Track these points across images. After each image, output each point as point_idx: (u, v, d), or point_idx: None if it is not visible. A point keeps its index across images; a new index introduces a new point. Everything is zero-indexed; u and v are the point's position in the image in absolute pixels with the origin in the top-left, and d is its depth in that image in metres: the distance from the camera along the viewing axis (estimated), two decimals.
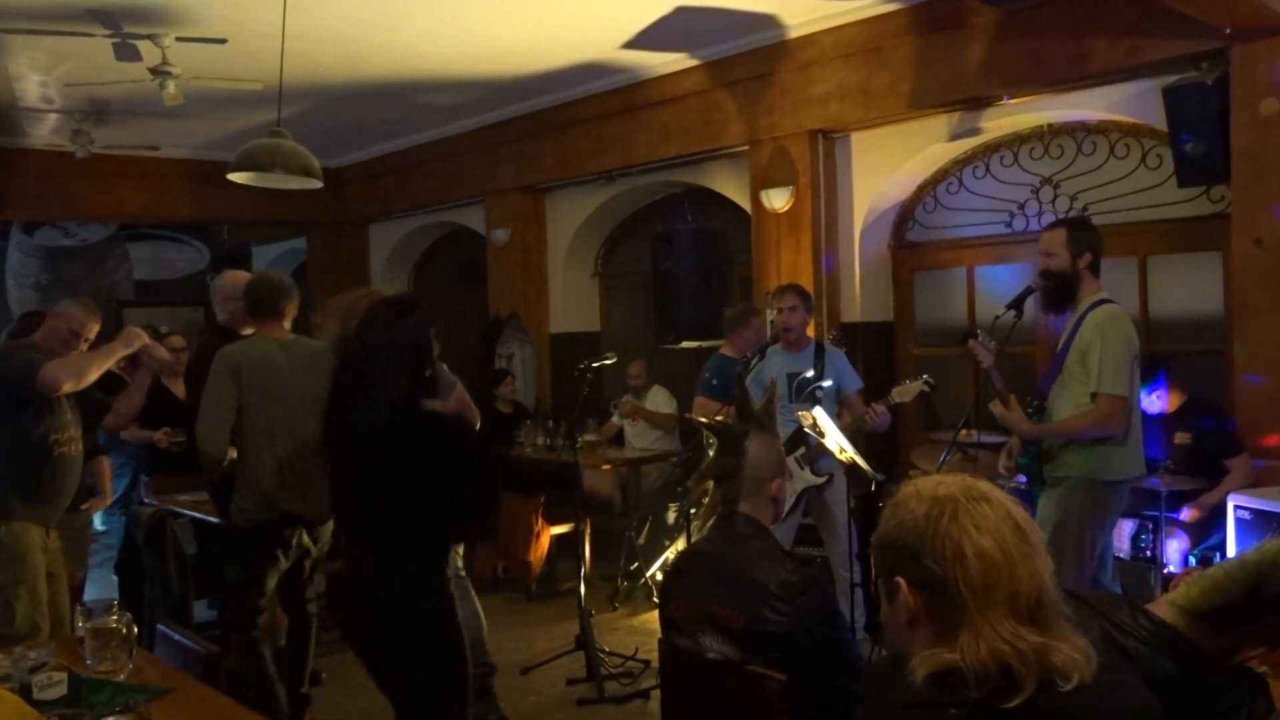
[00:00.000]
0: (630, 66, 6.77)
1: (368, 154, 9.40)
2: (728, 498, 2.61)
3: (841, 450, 4.01)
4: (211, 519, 4.59)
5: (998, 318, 3.90)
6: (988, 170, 6.14)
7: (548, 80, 7.04)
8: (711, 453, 5.60)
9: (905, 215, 6.55)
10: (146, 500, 5.39)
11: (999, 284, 6.01)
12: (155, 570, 4.93)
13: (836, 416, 4.47)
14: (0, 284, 10.99)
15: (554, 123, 7.69)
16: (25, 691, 2.31)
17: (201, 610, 5.18)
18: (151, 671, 2.57)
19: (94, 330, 4.02)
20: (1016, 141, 5.96)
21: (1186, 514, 4.54)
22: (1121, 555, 4.40)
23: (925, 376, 4.83)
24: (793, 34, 6.05)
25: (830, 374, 4.88)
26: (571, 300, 8.54)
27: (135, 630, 2.55)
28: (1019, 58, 5.20)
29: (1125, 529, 4.49)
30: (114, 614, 2.55)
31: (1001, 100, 5.51)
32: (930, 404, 6.31)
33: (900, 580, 1.46)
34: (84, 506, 4.68)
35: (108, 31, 5.58)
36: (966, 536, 1.40)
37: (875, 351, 6.41)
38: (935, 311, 6.52)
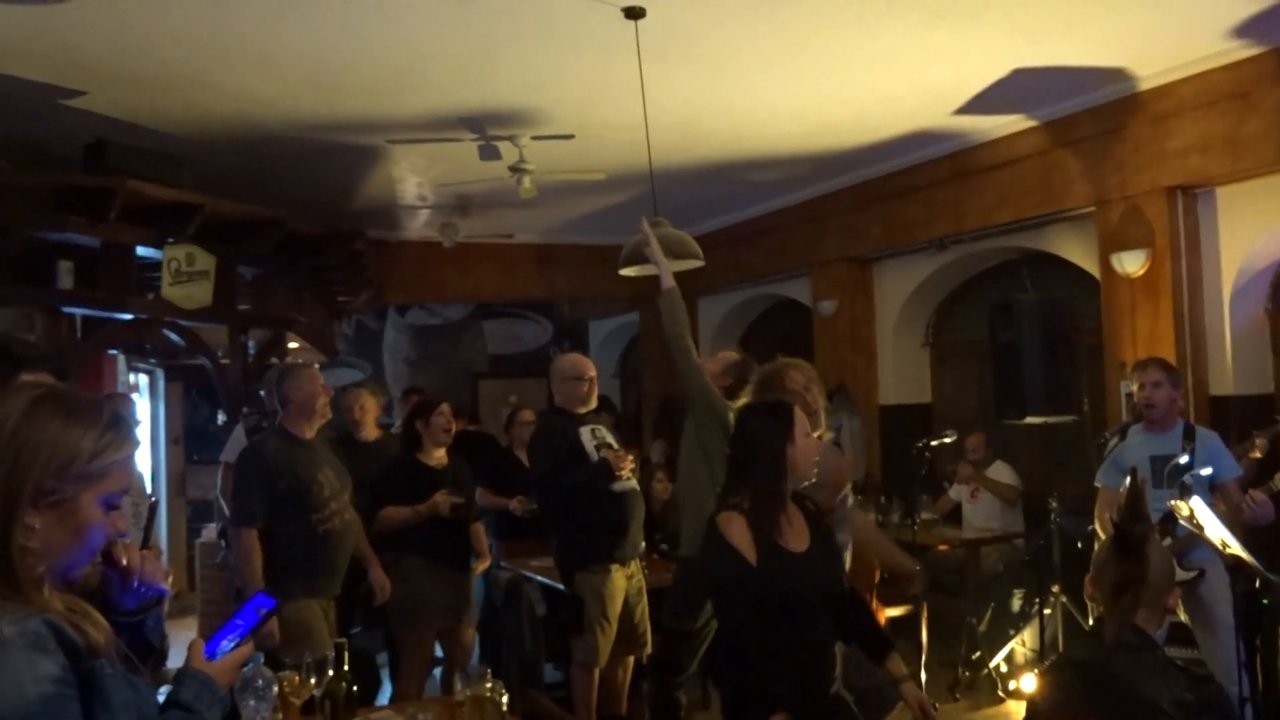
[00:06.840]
0: (962, 131, 6.59)
1: (697, 230, 9.62)
2: (1124, 607, 2.39)
3: (1225, 545, 3.60)
4: (557, 585, 4.84)
5: None
6: None
7: (876, 151, 7.01)
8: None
9: None
10: (503, 565, 5.80)
11: None
12: (512, 632, 5.26)
13: (1212, 506, 4.02)
14: (378, 359, 12.37)
15: (882, 192, 7.62)
16: None
17: (549, 671, 5.45)
18: None
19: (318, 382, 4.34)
20: None
21: None
22: None
23: None
24: (1145, 85, 5.64)
25: (1203, 458, 4.41)
26: (901, 371, 8.34)
27: (506, 696, 2.73)
28: None
29: None
30: (488, 681, 2.74)
31: None
32: None
33: None
34: (472, 567, 5.07)
35: (474, 135, 6.21)
36: None
37: (1253, 427, 5.72)
38: None
